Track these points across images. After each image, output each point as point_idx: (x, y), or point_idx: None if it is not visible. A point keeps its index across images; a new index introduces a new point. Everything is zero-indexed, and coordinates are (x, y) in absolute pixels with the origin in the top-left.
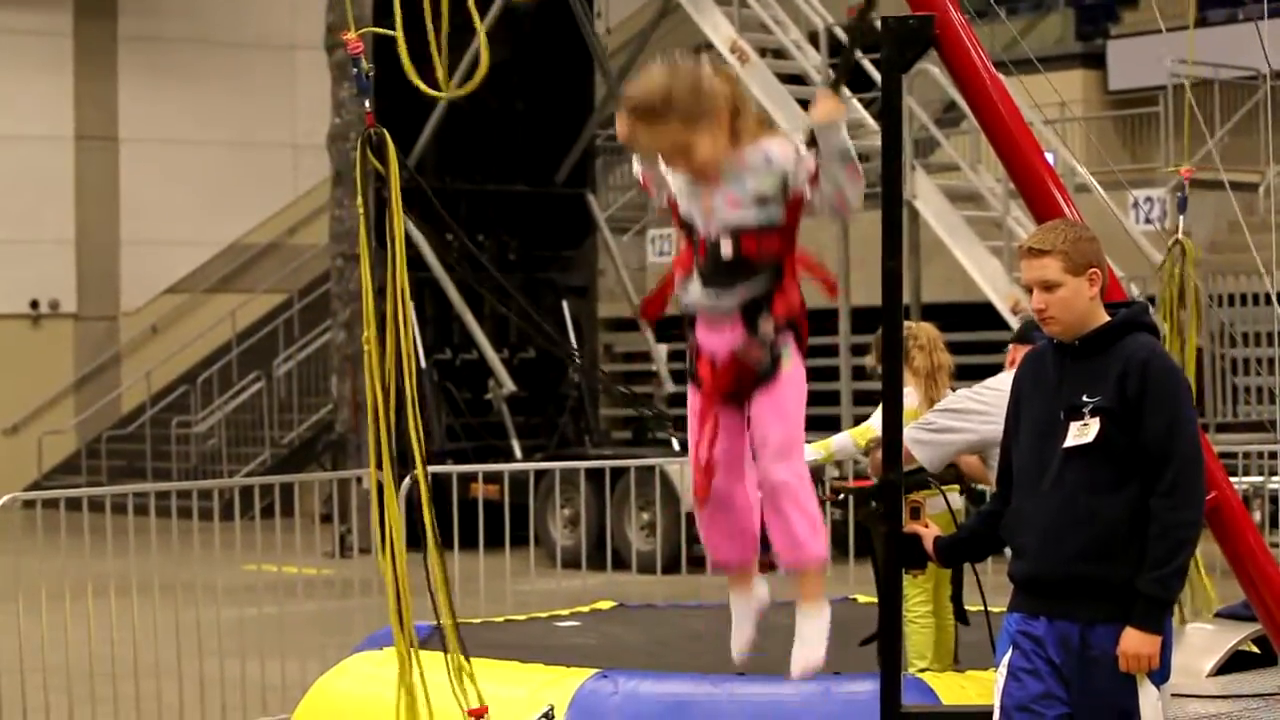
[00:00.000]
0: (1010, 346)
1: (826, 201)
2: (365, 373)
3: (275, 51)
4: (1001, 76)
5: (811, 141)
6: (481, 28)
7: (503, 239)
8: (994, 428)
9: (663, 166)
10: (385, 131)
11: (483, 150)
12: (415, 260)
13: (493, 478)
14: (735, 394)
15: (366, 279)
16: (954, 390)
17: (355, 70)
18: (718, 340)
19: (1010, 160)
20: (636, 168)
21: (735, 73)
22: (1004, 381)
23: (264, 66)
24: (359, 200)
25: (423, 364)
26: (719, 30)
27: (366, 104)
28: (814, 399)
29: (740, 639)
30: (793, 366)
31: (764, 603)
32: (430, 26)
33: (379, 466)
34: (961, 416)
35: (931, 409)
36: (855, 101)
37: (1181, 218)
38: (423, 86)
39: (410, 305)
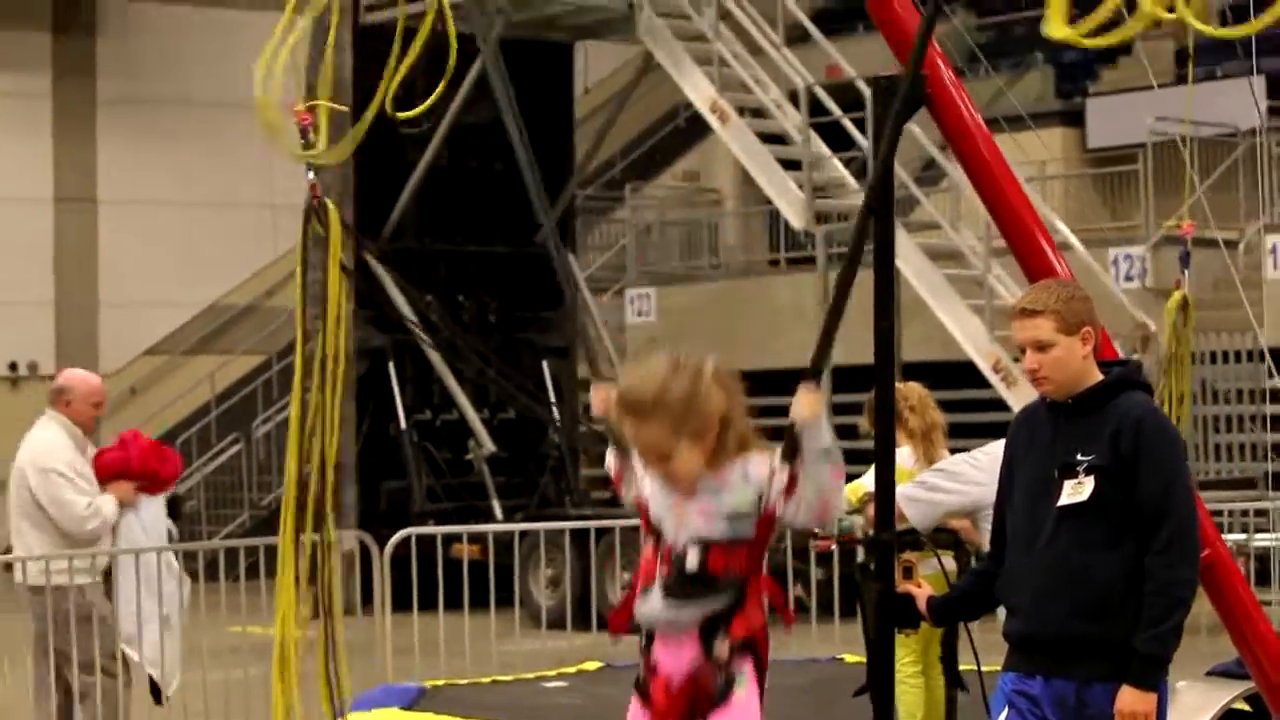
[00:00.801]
0: None
1: (807, 508)
2: (289, 445)
3: (254, 112)
4: None
5: (788, 455)
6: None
7: (483, 299)
8: (985, 491)
9: (637, 463)
10: (329, 202)
11: (463, 212)
12: (396, 321)
13: (476, 538)
14: (684, 716)
15: (299, 355)
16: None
17: (304, 141)
18: (674, 659)
19: (1001, 217)
20: (609, 460)
21: (732, 384)
22: (998, 448)
23: (242, 127)
24: (297, 272)
25: (403, 425)
26: (699, 89)
27: (310, 175)
28: None
29: None
30: (746, 694)
31: None
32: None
33: (306, 530)
34: (955, 478)
35: (926, 470)
36: (835, 161)
37: (1186, 273)
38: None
39: (343, 372)
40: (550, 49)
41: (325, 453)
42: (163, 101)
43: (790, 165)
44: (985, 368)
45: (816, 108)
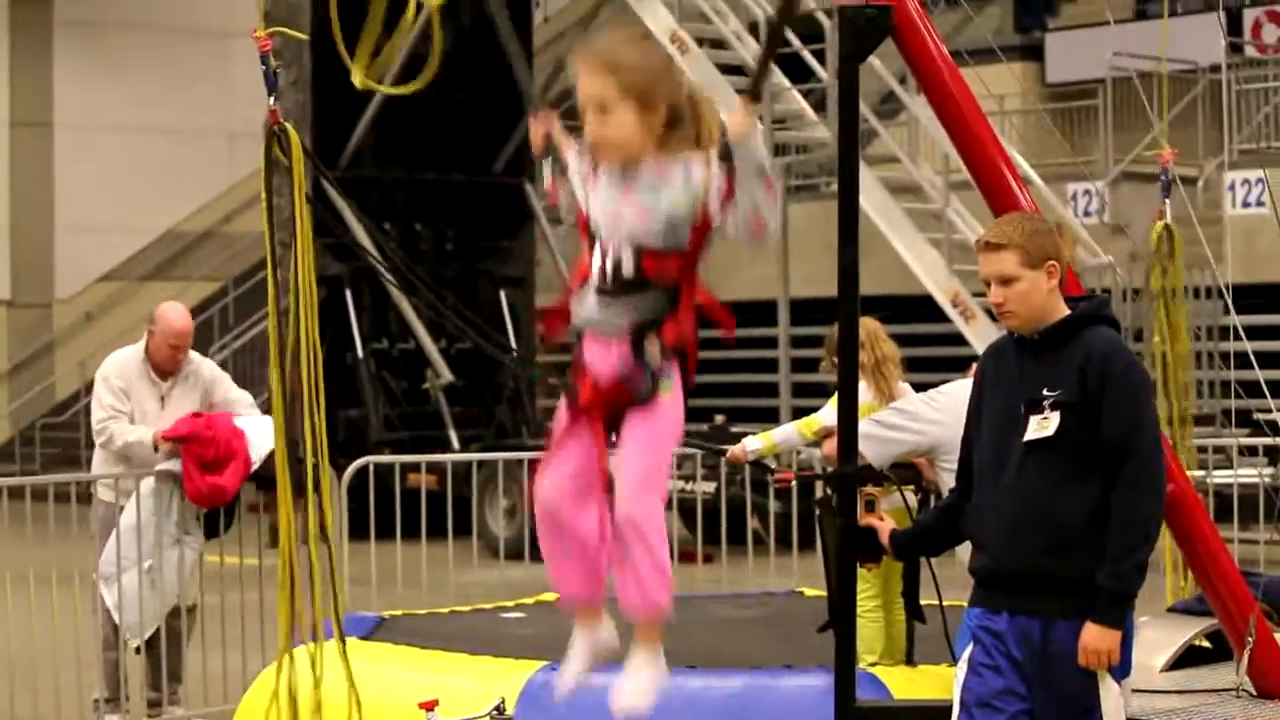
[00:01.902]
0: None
1: (742, 222)
2: (271, 370)
3: (212, 39)
4: None
5: (726, 156)
6: (438, 29)
7: (440, 228)
8: (944, 431)
9: (573, 169)
10: (290, 127)
11: (420, 140)
12: (353, 249)
13: (433, 468)
14: (609, 416)
15: (271, 282)
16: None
17: (264, 67)
18: (602, 358)
19: (968, 151)
20: (545, 174)
21: (697, 94)
22: (960, 388)
23: (200, 53)
24: (262, 197)
25: (360, 354)
26: (658, 19)
27: (271, 100)
28: (755, 390)
29: (569, 674)
30: (672, 397)
31: (609, 645)
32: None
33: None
34: (913, 418)
35: (887, 407)
36: (795, 92)
37: (1167, 202)
38: (362, 83)
39: (315, 302)
40: None
41: (314, 380)
42: (120, 25)
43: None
44: (943, 302)
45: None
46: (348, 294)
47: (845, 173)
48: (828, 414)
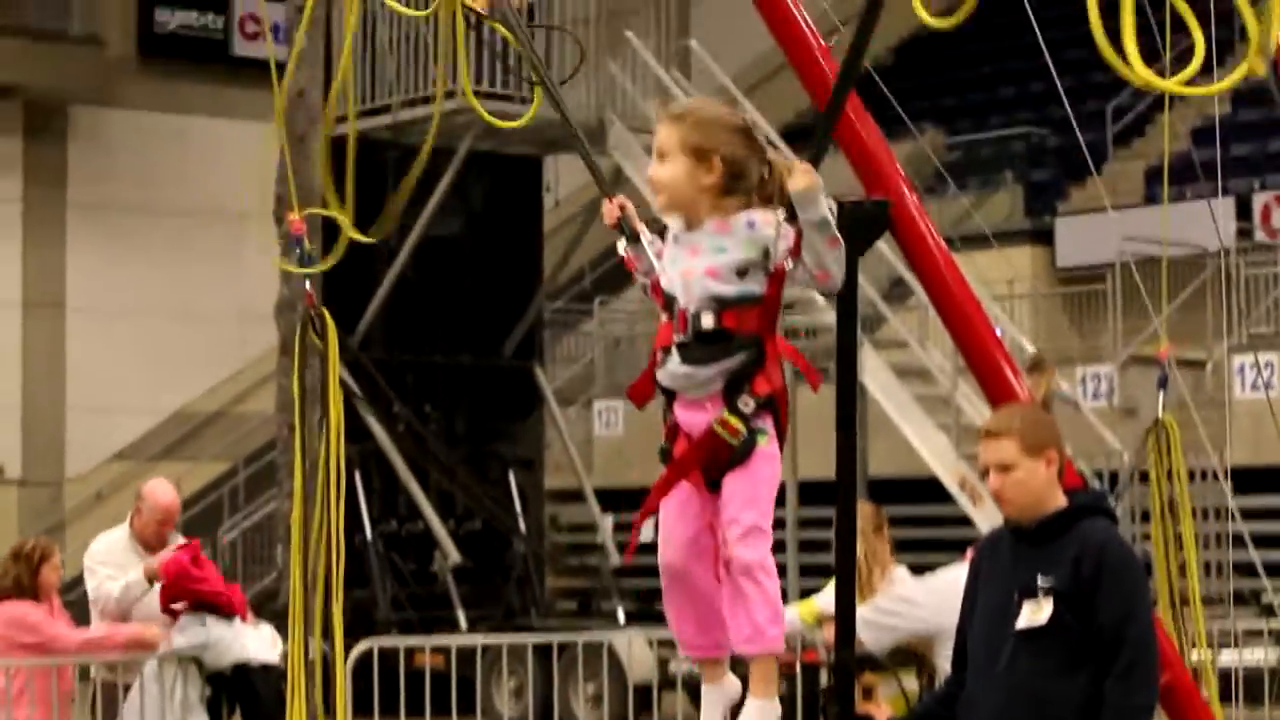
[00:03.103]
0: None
1: (809, 273)
2: (291, 552)
3: (224, 220)
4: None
5: (791, 215)
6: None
7: (450, 411)
8: (941, 619)
9: (646, 238)
10: (325, 311)
11: (430, 323)
12: (362, 432)
13: (439, 649)
14: (708, 471)
15: (298, 461)
16: (896, 567)
17: (298, 251)
18: (696, 418)
19: (963, 340)
20: (621, 246)
21: (759, 148)
22: (954, 574)
23: (212, 235)
24: (294, 381)
25: (368, 535)
26: None
27: (306, 284)
28: None
29: None
30: (769, 446)
31: (735, 695)
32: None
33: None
34: (911, 605)
35: (885, 595)
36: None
37: (1161, 394)
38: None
39: (343, 486)
40: (519, 162)
41: (332, 564)
42: (132, 208)
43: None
44: (951, 485)
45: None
46: (356, 475)
47: (844, 363)
48: (826, 599)
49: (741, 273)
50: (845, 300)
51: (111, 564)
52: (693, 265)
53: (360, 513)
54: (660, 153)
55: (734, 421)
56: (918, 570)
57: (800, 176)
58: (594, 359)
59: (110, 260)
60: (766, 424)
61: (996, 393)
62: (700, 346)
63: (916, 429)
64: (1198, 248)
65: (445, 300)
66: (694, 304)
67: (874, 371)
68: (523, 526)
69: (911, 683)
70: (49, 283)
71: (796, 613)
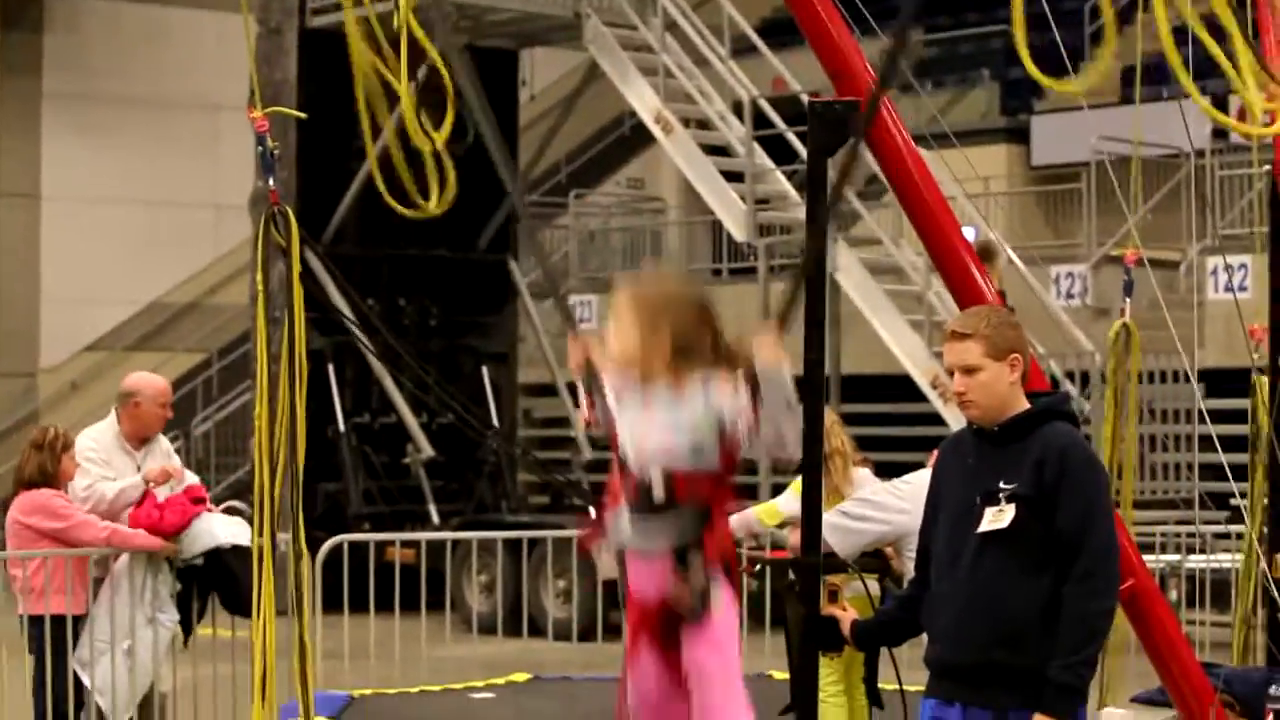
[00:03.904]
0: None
1: (764, 446)
2: (254, 444)
3: (200, 111)
4: (924, 152)
5: (753, 384)
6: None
7: (424, 304)
8: (908, 520)
9: (608, 388)
10: (289, 210)
11: (405, 218)
12: (336, 324)
13: (409, 543)
14: (665, 635)
15: (261, 356)
16: (865, 467)
17: (260, 148)
18: (647, 579)
19: (931, 241)
20: (581, 394)
21: (706, 318)
22: (922, 477)
23: (188, 126)
24: (258, 277)
25: (341, 428)
26: (644, 99)
27: (270, 181)
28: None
29: None
30: (724, 610)
31: None
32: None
33: (260, 534)
34: (878, 508)
35: (851, 499)
36: (779, 174)
37: (1127, 300)
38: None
39: (304, 379)
40: (495, 55)
41: (295, 456)
42: (108, 99)
43: (733, 177)
44: (923, 383)
45: (761, 120)
46: (330, 368)
47: (813, 265)
48: (787, 502)
49: (694, 440)
50: (814, 214)
51: (100, 462)
52: (647, 432)
53: (333, 405)
54: (616, 318)
55: (683, 589)
56: (889, 469)
57: (767, 350)
58: (568, 253)
59: (86, 151)
60: (719, 585)
61: (964, 294)
62: (650, 512)
63: (889, 326)
64: (1173, 148)
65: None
66: (644, 470)
67: (848, 268)
68: (495, 421)
69: (875, 585)
70: (23, 173)
71: (754, 514)
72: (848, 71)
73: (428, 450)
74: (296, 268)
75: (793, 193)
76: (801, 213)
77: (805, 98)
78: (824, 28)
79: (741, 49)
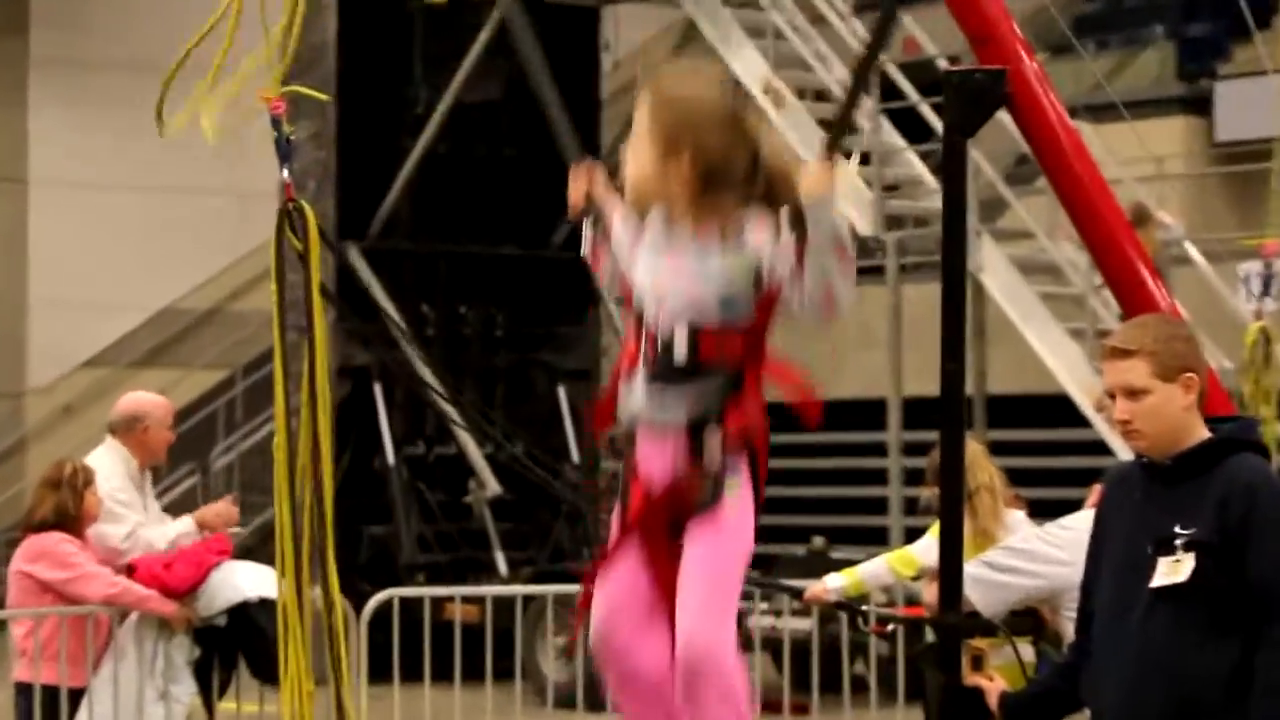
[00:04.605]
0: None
1: (810, 297)
2: (275, 484)
3: (221, 79)
4: (1084, 126)
5: (797, 220)
6: None
7: (489, 312)
8: (1066, 573)
9: (618, 233)
10: (306, 206)
11: (466, 206)
12: (386, 335)
13: (472, 599)
14: (668, 526)
15: (279, 374)
16: (1018, 507)
17: (276, 135)
18: (656, 458)
19: (1090, 234)
20: (585, 237)
21: (778, 153)
22: (1082, 521)
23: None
24: (273, 288)
25: (390, 460)
26: (749, 67)
27: (285, 174)
28: (860, 506)
29: None
30: (739, 501)
31: None
32: None
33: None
34: (1031, 558)
35: (999, 546)
36: (911, 154)
37: (1265, 300)
38: None
39: (330, 410)
40: (573, 14)
41: (323, 493)
42: (109, 63)
43: (858, 159)
44: (1085, 405)
45: (890, 90)
46: (377, 389)
47: (951, 262)
48: (925, 549)
49: (727, 290)
50: (953, 190)
51: (133, 504)
52: (669, 274)
53: (381, 433)
54: (635, 134)
55: (695, 473)
56: (1045, 510)
57: (816, 175)
58: None
59: (82, 126)
60: (739, 471)
61: (1130, 299)
62: (669, 376)
63: (1044, 337)
64: None
65: (483, 180)
66: (666, 326)
67: (994, 268)
68: (575, 452)
69: (1027, 649)
70: (6, 153)
71: (886, 565)
72: (992, 34)
73: (494, 487)
74: (315, 273)
75: (928, 177)
76: (938, 201)
77: (942, 64)
78: None
79: (865, 4)
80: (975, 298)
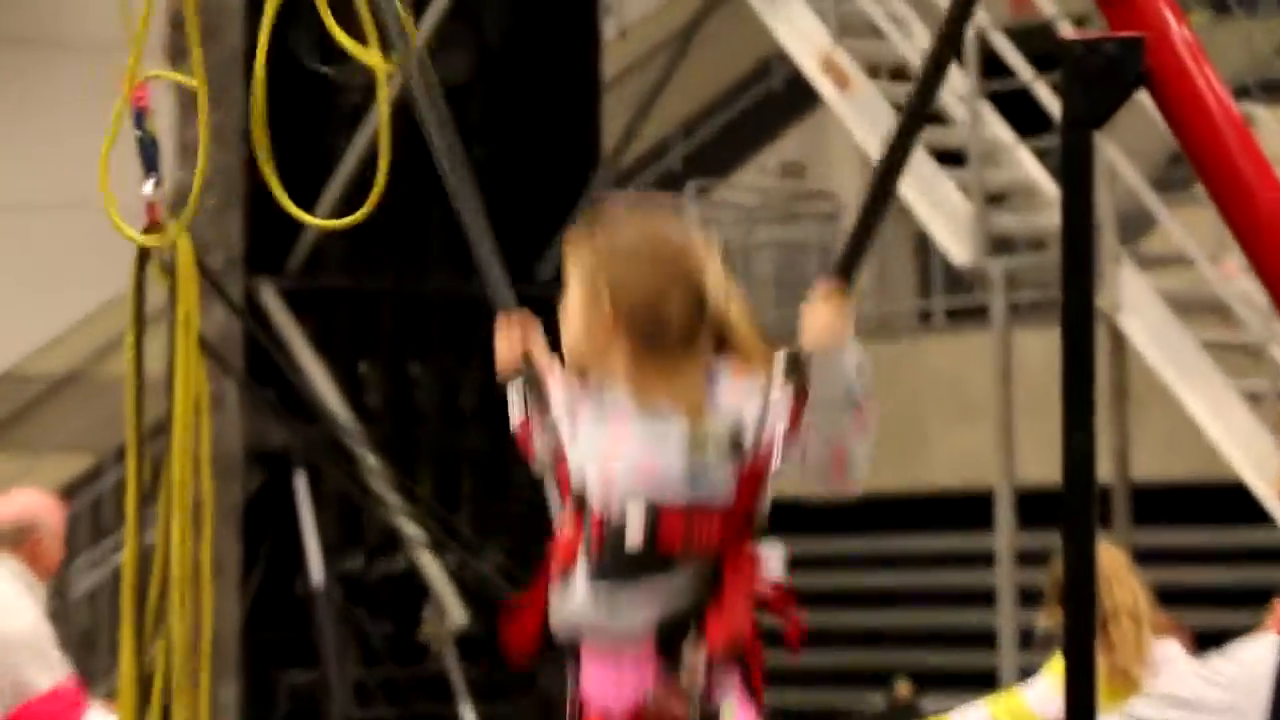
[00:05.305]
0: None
1: (814, 468)
2: (123, 616)
3: (92, 56)
4: (1258, 111)
5: (794, 368)
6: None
7: (449, 369)
8: None
9: (557, 401)
10: (176, 227)
11: (421, 229)
12: (308, 408)
13: None
14: None
15: (133, 468)
16: (1172, 637)
17: (138, 134)
18: (614, 684)
19: (1260, 258)
20: (514, 403)
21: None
22: (1258, 653)
23: (77, 77)
24: (128, 344)
25: (318, 580)
26: (803, 36)
27: (149, 187)
28: (960, 638)
29: None
30: None
31: None
32: None
33: None
34: (1189, 708)
35: (1148, 692)
36: (1022, 151)
37: None
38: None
39: (186, 506)
40: None
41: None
42: None
43: (951, 159)
44: (1266, 494)
45: (993, 64)
46: (299, 481)
47: (1076, 299)
48: (1043, 697)
49: (693, 463)
50: (1077, 201)
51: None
52: (616, 450)
53: (304, 542)
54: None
55: (672, 698)
56: (1210, 640)
57: (820, 321)
58: None
59: None
60: (731, 694)
61: None
62: (622, 572)
63: (1210, 400)
64: None
65: (444, 192)
66: (615, 507)
67: (1138, 306)
68: None
69: None
70: None
71: (989, 714)
72: None
73: (458, 616)
74: (190, 321)
75: (1047, 183)
76: (1058, 216)
77: (1064, 28)
78: None
79: None
80: (1113, 347)
